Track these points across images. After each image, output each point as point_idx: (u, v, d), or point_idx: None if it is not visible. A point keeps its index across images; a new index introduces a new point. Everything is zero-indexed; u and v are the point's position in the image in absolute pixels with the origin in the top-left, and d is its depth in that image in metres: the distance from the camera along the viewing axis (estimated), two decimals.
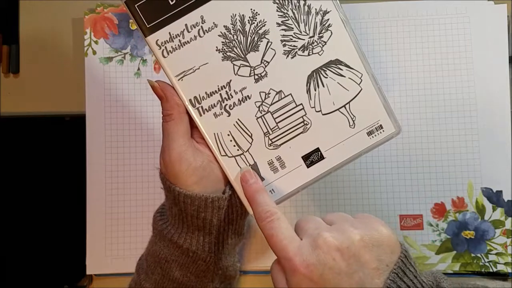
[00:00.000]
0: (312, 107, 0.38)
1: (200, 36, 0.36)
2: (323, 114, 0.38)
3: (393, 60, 0.52)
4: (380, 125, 0.38)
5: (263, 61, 0.37)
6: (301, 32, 0.37)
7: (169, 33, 0.36)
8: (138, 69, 0.54)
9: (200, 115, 0.38)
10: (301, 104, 0.38)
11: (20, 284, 0.55)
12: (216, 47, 0.37)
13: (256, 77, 0.37)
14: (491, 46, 0.52)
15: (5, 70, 0.55)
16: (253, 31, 0.37)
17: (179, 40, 0.36)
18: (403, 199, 0.52)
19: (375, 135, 0.38)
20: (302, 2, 0.37)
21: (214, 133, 0.38)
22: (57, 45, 0.55)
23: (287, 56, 0.37)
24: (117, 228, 0.52)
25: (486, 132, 0.51)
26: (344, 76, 0.38)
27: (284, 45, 0.37)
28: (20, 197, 0.55)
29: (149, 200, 0.52)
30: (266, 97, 0.38)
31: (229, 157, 0.38)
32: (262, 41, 0.37)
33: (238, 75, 0.37)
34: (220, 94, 0.37)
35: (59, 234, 0.55)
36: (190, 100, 0.37)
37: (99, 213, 0.52)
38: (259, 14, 0.37)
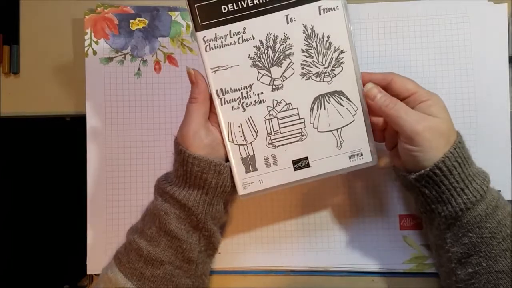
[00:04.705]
0: (311, 123, 0.45)
1: (239, 43, 0.44)
2: (318, 131, 0.45)
3: (392, 61, 0.52)
4: (361, 153, 0.45)
5: (282, 76, 0.45)
6: (318, 62, 0.45)
7: (215, 34, 0.44)
8: (139, 69, 0.54)
9: (221, 104, 0.45)
10: (303, 118, 0.45)
11: (20, 284, 0.55)
12: (249, 55, 0.44)
13: (274, 87, 0.45)
14: (491, 46, 0.52)
15: (6, 70, 0.55)
16: (281, 50, 0.44)
17: (221, 41, 0.44)
18: (403, 199, 0.52)
19: (355, 160, 0.45)
20: (326, 39, 0.44)
21: (228, 122, 0.45)
22: (57, 45, 0.55)
23: (303, 77, 0.45)
24: (118, 228, 0.53)
25: (485, 132, 0.51)
26: (343, 106, 0.45)
27: (303, 68, 0.45)
28: (20, 197, 0.56)
29: (149, 200, 0.52)
30: (277, 105, 0.45)
31: (234, 144, 0.45)
32: (286, 60, 0.45)
33: (260, 81, 0.45)
34: (241, 92, 0.45)
35: (59, 234, 0.55)
36: (216, 90, 0.45)
37: (99, 213, 0.53)
38: (289, 38, 0.44)
